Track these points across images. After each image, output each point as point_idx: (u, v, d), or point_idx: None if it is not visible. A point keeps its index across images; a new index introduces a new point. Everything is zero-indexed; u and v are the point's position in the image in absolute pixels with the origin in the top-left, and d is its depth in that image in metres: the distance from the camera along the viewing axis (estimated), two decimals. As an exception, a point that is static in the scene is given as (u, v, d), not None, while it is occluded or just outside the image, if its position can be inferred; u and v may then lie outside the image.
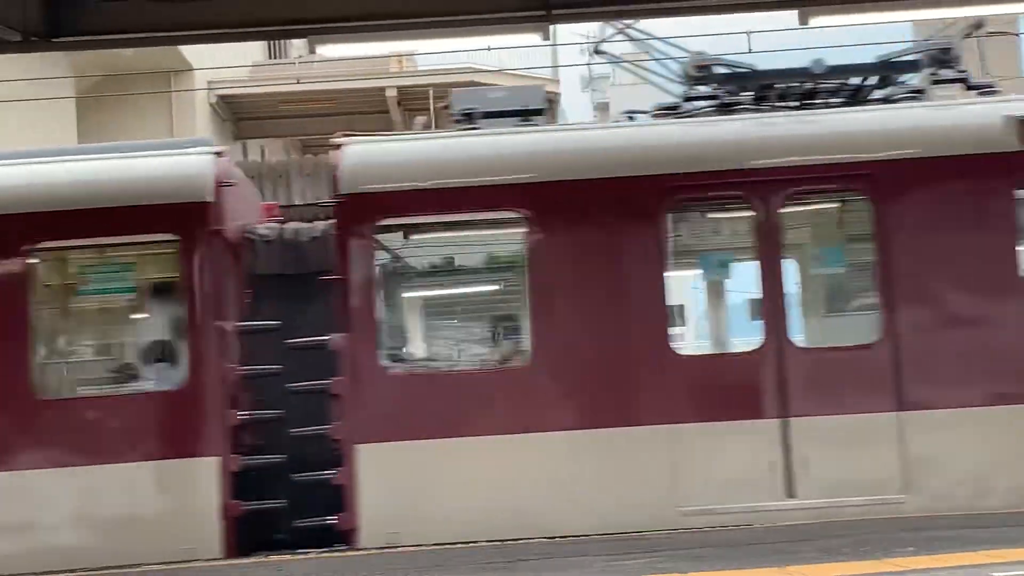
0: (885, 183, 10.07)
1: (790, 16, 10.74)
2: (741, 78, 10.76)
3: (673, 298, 10.35)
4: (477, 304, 11.28)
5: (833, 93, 10.83)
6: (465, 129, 10.56)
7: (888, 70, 10.89)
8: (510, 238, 10.41)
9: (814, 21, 10.58)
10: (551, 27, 10.55)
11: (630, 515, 9.78)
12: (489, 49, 11.63)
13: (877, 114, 10.48)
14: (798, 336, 10.37)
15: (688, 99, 10.84)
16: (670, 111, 10.77)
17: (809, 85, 10.73)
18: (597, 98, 44.39)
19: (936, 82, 10.81)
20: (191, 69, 21.99)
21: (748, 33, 13.82)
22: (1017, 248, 10.11)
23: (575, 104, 40.44)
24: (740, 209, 10.32)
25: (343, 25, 10.15)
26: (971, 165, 10.11)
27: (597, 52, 11.17)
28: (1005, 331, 9.99)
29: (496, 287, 11.20)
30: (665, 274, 10.09)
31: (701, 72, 10.74)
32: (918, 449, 9.90)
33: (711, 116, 10.61)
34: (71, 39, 10.43)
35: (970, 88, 10.86)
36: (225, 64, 22.50)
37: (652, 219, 10.02)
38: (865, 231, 10.24)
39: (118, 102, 21.17)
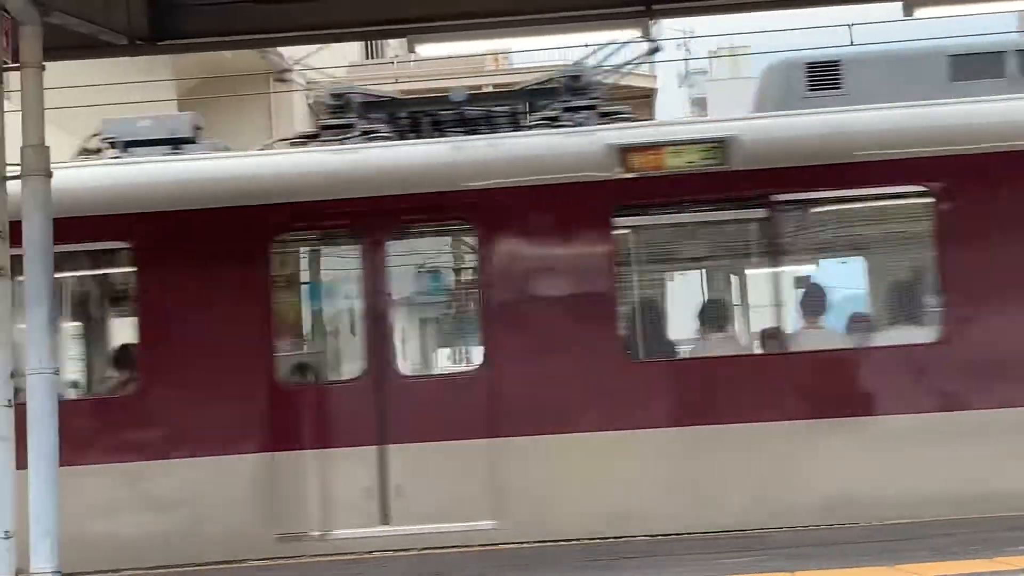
0: (487, 212, 10.17)
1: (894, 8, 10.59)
2: (378, 107, 10.87)
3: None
4: (94, 334, 11.35)
5: (487, 120, 10.96)
6: (116, 158, 10.74)
7: (526, 98, 11.07)
8: (121, 270, 10.57)
9: (919, 12, 10.40)
10: (651, 22, 10.47)
11: (227, 542, 9.87)
12: (586, 46, 11.62)
13: (483, 143, 10.57)
14: (402, 364, 10.50)
15: (325, 127, 10.93)
16: (307, 139, 10.98)
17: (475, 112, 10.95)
18: (694, 93, 44.12)
19: (568, 109, 10.89)
20: (290, 70, 22.17)
21: (850, 26, 13.62)
22: (613, 272, 10.20)
23: (672, 100, 40.29)
24: (347, 239, 10.40)
25: (442, 24, 10.16)
26: (571, 192, 10.20)
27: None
28: (596, 358, 10.04)
29: (111, 318, 11.31)
30: (271, 304, 10.16)
31: (338, 101, 10.80)
32: (507, 476, 9.97)
33: (350, 145, 10.67)
34: (175, 42, 10.56)
35: (603, 115, 10.91)
36: (323, 65, 22.67)
37: (259, 250, 10.13)
38: (471, 260, 10.42)
39: (219, 104, 21.42)
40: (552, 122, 10.86)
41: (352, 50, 26.05)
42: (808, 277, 11.24)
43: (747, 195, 10.29)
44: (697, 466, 10.06)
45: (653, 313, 10.80)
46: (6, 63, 8.07)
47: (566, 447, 10.01)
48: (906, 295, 10.73)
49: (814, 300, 10.76)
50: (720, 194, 10.29)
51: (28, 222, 8.05)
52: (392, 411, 10.03)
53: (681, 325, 11.25)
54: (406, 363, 10.68)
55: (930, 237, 10.28)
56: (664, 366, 10.37)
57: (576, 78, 11.03)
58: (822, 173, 10.27)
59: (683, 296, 11.64)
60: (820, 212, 10.65)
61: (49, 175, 8.18)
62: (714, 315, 10.80)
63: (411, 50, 10.95)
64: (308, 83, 22.90)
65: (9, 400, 7.77)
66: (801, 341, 10.46)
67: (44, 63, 8.24)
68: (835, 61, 11.09)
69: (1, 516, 7.68)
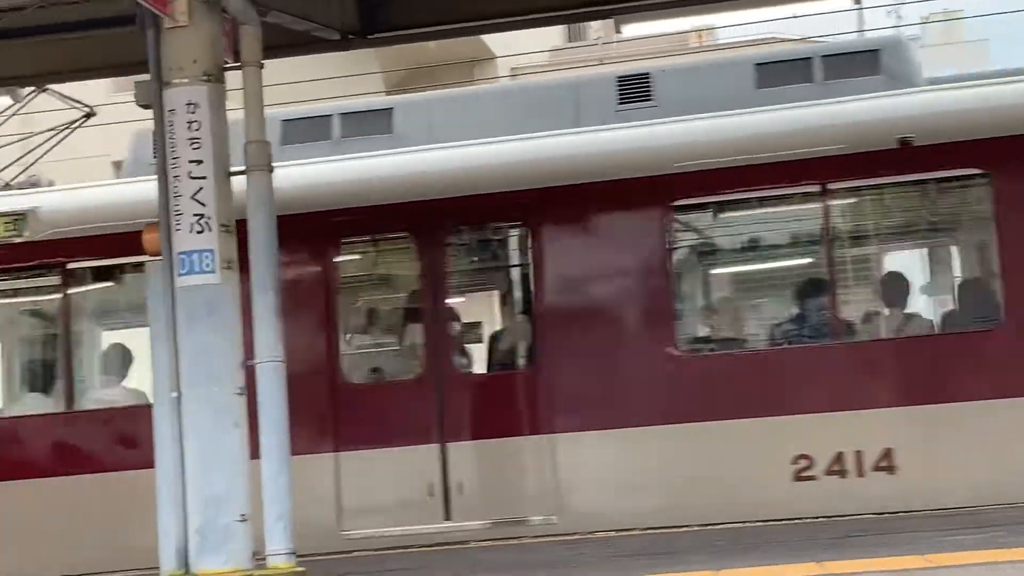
0: None
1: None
2: None
3: None
4: None
5: None
6: None
7: None
8: None
9: None
10: (861, -10, 10.26)
11: None
12: (795, 17, 11.44)
13: None
14: None
15: None
16: None
17: None
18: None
19: None
20: (493, 57, 22.35)
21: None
22: None
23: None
24: None
25: (648, 3, 10.12)
26: None
27: None
28: None
29: None
30: None
31: None
32: None
33: None
34: (384, 35, 10.76)
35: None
36: (525, 50, 22.79)
37: None
38: None
39: (425, 95, 21.69)
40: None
41: (554, 33, 26.10)
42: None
43: (48, 263, 11.20)
44: None
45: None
46: (227, 63, 8.30)
47: None
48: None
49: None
50: (26, 263, 11.18)
51: (252, 216, 8.24)
52: None
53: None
54: None
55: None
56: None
57: None
58: (114, 240, 10.86)
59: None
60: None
61: (271, 169, 8.37)
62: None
63: (617, 30, 10.91)
64: (512, 69, 23.12)
65: (241, 388, 8.00)
66: None
67: (262, 61, 8.46)
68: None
69: (237, 500, 7.93)
